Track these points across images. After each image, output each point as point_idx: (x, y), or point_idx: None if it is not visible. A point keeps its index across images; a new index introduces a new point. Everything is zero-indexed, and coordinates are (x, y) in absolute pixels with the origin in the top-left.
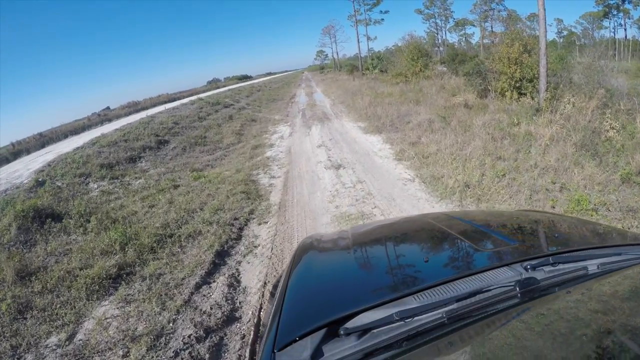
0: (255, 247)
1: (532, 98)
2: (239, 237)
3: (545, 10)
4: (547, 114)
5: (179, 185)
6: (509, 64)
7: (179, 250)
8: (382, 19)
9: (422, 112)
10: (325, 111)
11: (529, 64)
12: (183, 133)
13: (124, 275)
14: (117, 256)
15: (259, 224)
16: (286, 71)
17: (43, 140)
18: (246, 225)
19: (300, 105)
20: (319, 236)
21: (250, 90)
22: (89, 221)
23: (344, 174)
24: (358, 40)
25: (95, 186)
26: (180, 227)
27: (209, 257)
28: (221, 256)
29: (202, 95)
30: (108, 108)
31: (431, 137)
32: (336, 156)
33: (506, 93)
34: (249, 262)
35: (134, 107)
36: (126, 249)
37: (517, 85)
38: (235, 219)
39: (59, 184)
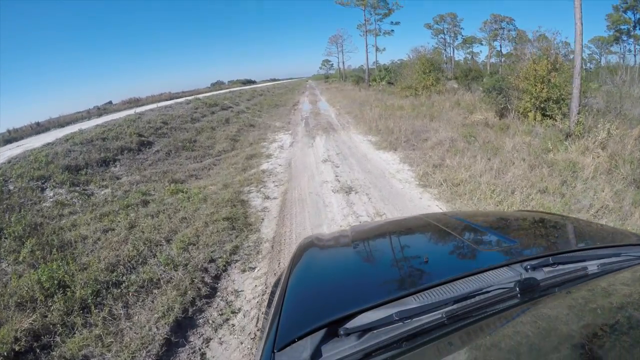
0: (234, 312)
1: (558, 120)
2: (212, 293)
3: (582, 24)
4: (582, 141)
5: (149, 202)
6: (535, 82)
7: (123, 312)
8: (392, 30)
9: (441, 129)
10: (330, 121)
11: (557, 83)
12: (171, 135)
13: (37, 351)
14: (36, 314)
15: (243, 271)
16: (290, 78)
17: (38, 130)
18: (225, 271)
19: (303, 112)
20: (319, 236)
21: (251, 94)
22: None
23: (356, 200)
24: (367, 50)
25: (51, 194)
26: (133, 271)
27: (163, 330)
28: (181, 328)
29: (200, 96)
30: (110, 102)
31: (458, 159)
32: (346, 175)
33: (529, 113)
34: (222, 342)
35: (135, 104)
36: (51, 302)
37: (542, 105)
38: (212, 260)
39: (11, 187)
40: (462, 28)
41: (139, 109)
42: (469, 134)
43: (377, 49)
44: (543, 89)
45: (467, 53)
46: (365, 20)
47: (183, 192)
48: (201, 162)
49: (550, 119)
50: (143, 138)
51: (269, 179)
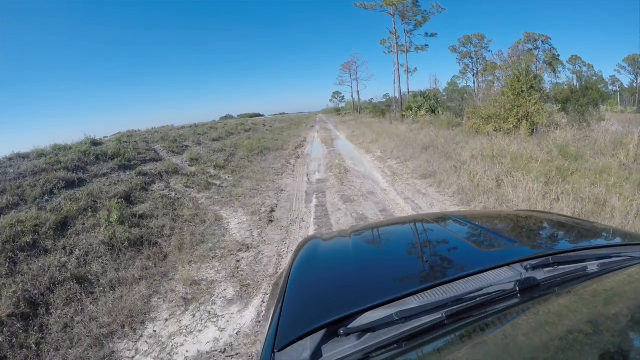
0: None
1: None
2: None
3: None
4: None
5: None
6: None
7: None
8: (427, 45)
9: None
10: (388, 205)
11: None
12: None
13: None
14: None
15: None
16: (300, 113)
17: None
18: None
19: (312, 167)
20: (320, 236)
21: (229, 130)
22: None
23: None
24: (398, 70)
25: None
26: None
27: None
28: None
29: (107, 139)
30: (119, 133)
31: None
32: None
33: None
34: None
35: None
36: None
37: None
38: None
39: None
40: (490, 50)
41: None
42: None
43: (407, 70)
44: None
45: (489, 81)
46: (394, 30)
47: None
48: None
49: None
50: None
51: None
